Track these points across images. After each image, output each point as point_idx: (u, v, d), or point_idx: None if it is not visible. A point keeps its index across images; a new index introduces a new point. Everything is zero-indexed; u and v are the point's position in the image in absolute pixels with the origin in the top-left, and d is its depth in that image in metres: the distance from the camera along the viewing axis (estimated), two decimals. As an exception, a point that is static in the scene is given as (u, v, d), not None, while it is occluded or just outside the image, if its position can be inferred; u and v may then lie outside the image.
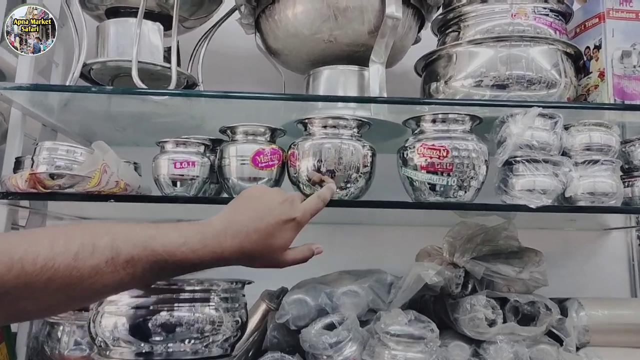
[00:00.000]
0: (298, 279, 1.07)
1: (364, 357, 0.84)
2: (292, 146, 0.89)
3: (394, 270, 1.04)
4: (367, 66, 0.99)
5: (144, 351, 0.79)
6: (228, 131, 0.91)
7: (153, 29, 0.98)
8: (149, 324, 0.78)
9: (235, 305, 0.83)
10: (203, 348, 0.80)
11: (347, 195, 0.87)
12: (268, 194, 0.69)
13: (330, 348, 0.84)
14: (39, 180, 0.79)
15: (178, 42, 1.03)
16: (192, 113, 1.04)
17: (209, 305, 0.80)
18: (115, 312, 0.79)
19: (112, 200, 0.83)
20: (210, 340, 0.80)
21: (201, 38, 1.11)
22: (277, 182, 0.90)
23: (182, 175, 0.87)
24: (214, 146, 0.96)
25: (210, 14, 1.09)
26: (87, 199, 0.83)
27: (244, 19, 1.09)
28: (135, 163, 0.97)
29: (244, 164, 0.87)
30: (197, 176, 0.88)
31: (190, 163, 0.87)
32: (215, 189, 0.97)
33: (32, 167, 0.84)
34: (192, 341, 0.80)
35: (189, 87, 1.05)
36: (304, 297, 0.94)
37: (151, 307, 0.79)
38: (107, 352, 0.81)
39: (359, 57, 1.02)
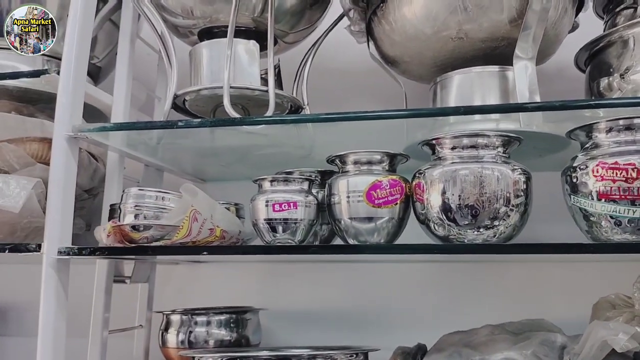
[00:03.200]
0: (438, 332, 0.87)
1: None
2: (418, 175, 0.70)
3: (562, 318, 0.83)
4: (511, 65, 0.77)
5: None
6: (337, 161, 0.74)
7: (249, 48, 0.86)
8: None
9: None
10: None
11: (495, 236, 0.66)
12: None
13: None
14: (124, 234, 0.68)
15: (279, 61, 0.90)
16: (299, 142, 0.89)
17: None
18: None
19: (205, 253, 0.70)
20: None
21: (306, 53, 0.97)
22: (401, 221, 0.71)
23: (282, 218, 0.71)
24: (324, 179, 0.80)
25: (313, 24, 0.94)
26: (178, 252, 0.71)
27: (354, 26, 0.93)
28: (236, 204, 0.84)
29: (357, 201, 0.69)
30: (302, 219, 0.71)
31: (292, 204, 0.70)
32: (329, 230, 0.81)
33: (119, 217, 0.74)
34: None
35: (293, 111, 0.90)
36: (446, 365, 0.73)
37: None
38: None
39: (498, 54, 0.81)
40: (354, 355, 0.68)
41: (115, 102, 0.91)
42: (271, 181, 0.73)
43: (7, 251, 0.77)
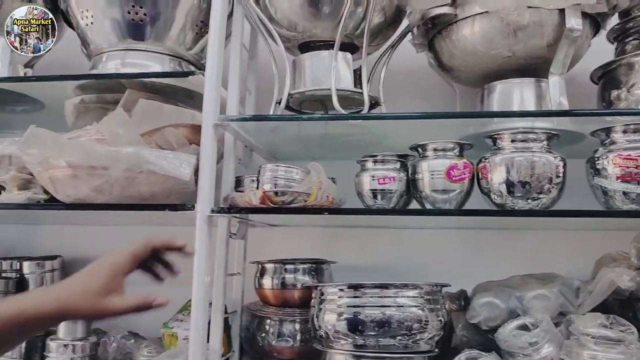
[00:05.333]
0: (471, 284, 1.14)
1: (562, 357, 0.89)
2: (483, 160, 0.96)
3: (567, 275, 1.07)
4: (543, 77, 1.04)
5: (359, 343, 0.91)
6: (419, 148, 1.00)
7: (342, 58, 1.10)
8: (363, 321, 0.90)
9: (437, 306, 0.92)
10: (411, 343, 0.90)
11: (538, 205, 0.93)
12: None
13: (529, 347, 0.90)
14: (269, 197, 0.93)
15: (360, 67, 1.14)
16: (376, 131, 1.13)
17: (416, 306, 0.90)
18: (335, 309, 0.92)
19: (326, 213, 0.95)
20: (418, 337, 0.90)
21: (377, 60, 1.21)
22: (467, 194, 0.98)
23: (384, 189, 0.97)
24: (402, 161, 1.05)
25: (387, 39, 1.19)
26: (306, 212, 0.96)
27: (416, 40, 1.17)
28: (332, 178, 1.09)
29: (437, 177, 0.96)
30: (396, 190, 0.98)
31: (392, 178, 0.97)
32: (404, 201, 1.06)
33: (257, 186, 0.99)
34: (401, 337, 0.90)
35: (372, 107, 1.15)
36: (494, 300, 1.00)
37: (365, 306, 0.90)
38: (329, 343, 0.93)
39: (534, 69, 1.06)
40: (436, 286, 0.94)
41: (229, 96, 1.13)
42: (374, 161, 0.99)
43: (167, 209, 1.01)
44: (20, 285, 1.36)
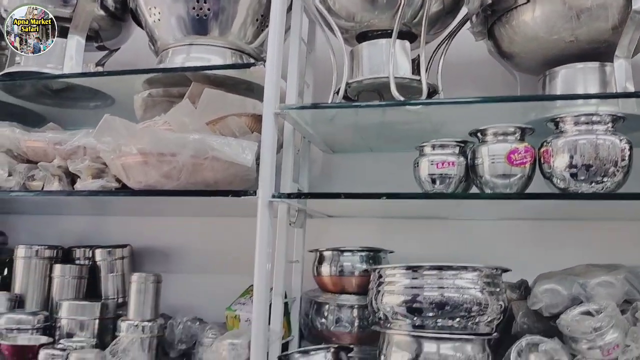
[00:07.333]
0: (532, 275, 1.12)
1: (628, 343, 0.87)
2: (545, 144, 0.95)
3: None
4: (606, 61, 1.01)
5: (417, 324, 0.91)
6: (478, 133, 1.00)
7: (400, 46, 1.11)
8: (423, 302, 0.90)
9: (497, 290, 0.92)
10: (470, 325, 0.90)
11: (602, 189, 0.91)
12: None
13: (593, 332, 0.88)
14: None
15: (418, 55, 1.15)
16: (434, 118, 1.14)
17: (474, 288, 0.90)
18: (394, 291, 0.93)
19: (384, 197, 0.97)
20: (477, 319, 0.90)
21: (435, 49, 1.22)
22: (528, 179, 0.97)
23: (442, 174, 0.98)
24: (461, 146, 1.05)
25: (446, 27, 1.19)
26: (363, 196, 0.99)
27: (475, 28, 1.17)
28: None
29: (497, 162, 0.95)
30: (455, 175, 0.98)
31: (450, 163, 0.97)
32: (463, 187, 1.06)
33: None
34: (460, 319, 0.90)
35: (430, 95, 1.16)
36: (556, 286, 0.99)
37: (424, 288, 0.91)
38: (387, 324, 0.95)
39: (598, 53, 1.04)
40: (496, 270, 0.94)
41: (288, 88, 1.15)
42: (432, 146, 1.00)
43: (230, 195, 1.05)
44: (93, 271, 1.44)
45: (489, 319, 0.90)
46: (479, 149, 0.98)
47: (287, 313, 1.22)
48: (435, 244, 1.36)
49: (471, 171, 1.00)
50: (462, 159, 1.00)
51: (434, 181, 0.99)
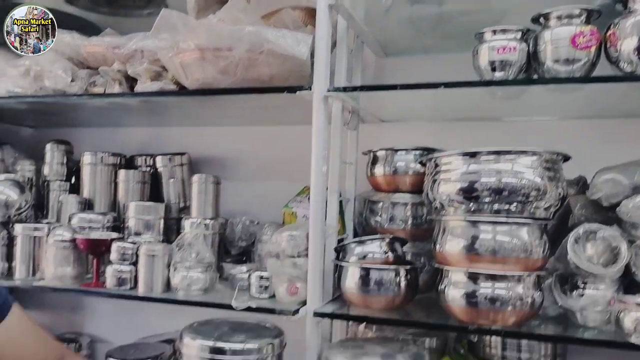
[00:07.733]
0: (591, 171, 1.09)
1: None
2: (612, 26, 0.90)
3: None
4: None
5: (472, 210, 0.92)
6: (541, 18, 0.95)
7: None
8: (479, 188, 0.90)
9: (557, 176, 0.91)
10: (528, 209, 0.90)
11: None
12: None
13: (654, 216, 0.87)
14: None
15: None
16: (494, 5, 1.08)
17: (533, 172, 0.89)
18: (450, 178, 0.93)
19: (442, 87, 0.95)
20: (534, 205, 0.90)
21: None
22: (592, 66, 0.93)
23: (503, 60, 0.95)
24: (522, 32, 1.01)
25: None
26: (417, 87, 0.98)
27: None
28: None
29: (561, 46, 0.92)
30: (516, 61, 0.95)
31: (512, 49, 0.94)
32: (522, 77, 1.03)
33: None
34: (517, 204, 0.90)
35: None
36: (617, 176, 0.97)
37: (481, 173, 0.90)
38: (442, 212, 0.96)
39: None
40: (557, 155, 0.92)
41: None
42: (493, 31, 0.96)
43: (285, 92, 1.06)
44: (155, 178, 1.51)
45: (547, 205, 0.90)
46: (542, 34, 0.94)
47: (341, 212, 1.25)
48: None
49: (533, 59, 0.97)
50: (523, 44, 0.96)
51: (494, 69, 0.97)
